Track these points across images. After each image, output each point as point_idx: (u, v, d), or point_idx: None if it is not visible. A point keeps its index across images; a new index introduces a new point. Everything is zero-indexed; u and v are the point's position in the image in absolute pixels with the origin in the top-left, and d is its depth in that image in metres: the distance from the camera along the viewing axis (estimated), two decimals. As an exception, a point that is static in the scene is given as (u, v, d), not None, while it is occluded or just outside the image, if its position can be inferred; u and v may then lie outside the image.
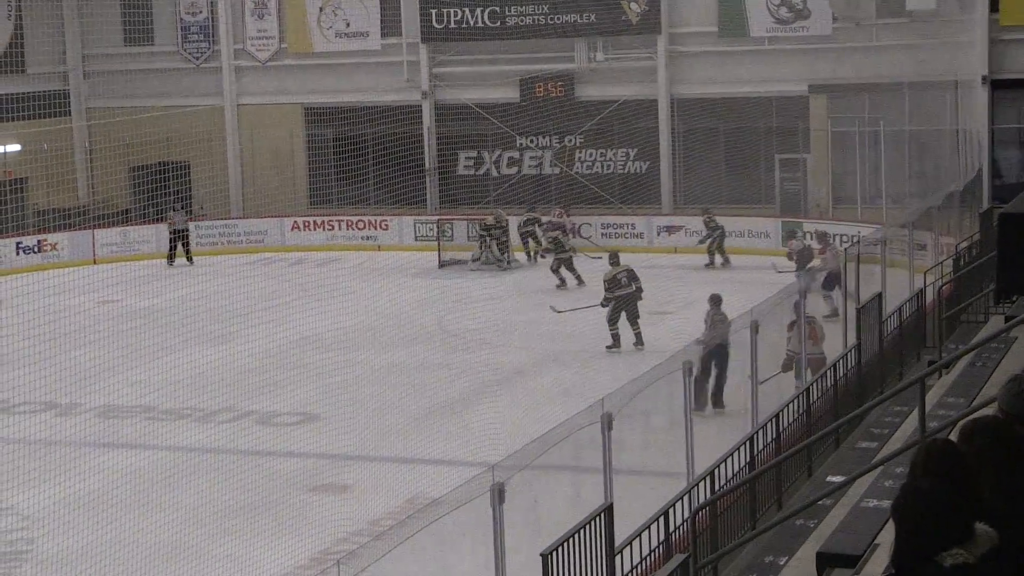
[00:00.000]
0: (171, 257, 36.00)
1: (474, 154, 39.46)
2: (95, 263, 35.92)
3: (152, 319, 27.82)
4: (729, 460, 13.44)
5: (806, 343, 17.79)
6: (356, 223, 37.96)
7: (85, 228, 36.85)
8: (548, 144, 38.75)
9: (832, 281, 22.10)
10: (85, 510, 16.53)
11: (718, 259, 33.07)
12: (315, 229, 38.13)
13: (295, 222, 38.33)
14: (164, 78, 41.18)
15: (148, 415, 21.28)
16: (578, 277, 30.63)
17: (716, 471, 13.06)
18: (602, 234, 36.12)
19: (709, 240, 33.22)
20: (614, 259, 25.96)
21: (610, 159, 38.43)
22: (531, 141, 38.89)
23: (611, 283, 25.00)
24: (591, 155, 38.56)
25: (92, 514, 16.29)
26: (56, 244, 36.52)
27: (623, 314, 24.63)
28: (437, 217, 37.13)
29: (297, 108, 40.65)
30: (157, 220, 37.30)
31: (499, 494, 10.13)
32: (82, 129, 41.72)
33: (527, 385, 22.43)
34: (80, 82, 41.88)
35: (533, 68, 38.11)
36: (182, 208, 36.77)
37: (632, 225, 36.35)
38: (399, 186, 37.97)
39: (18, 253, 35.53)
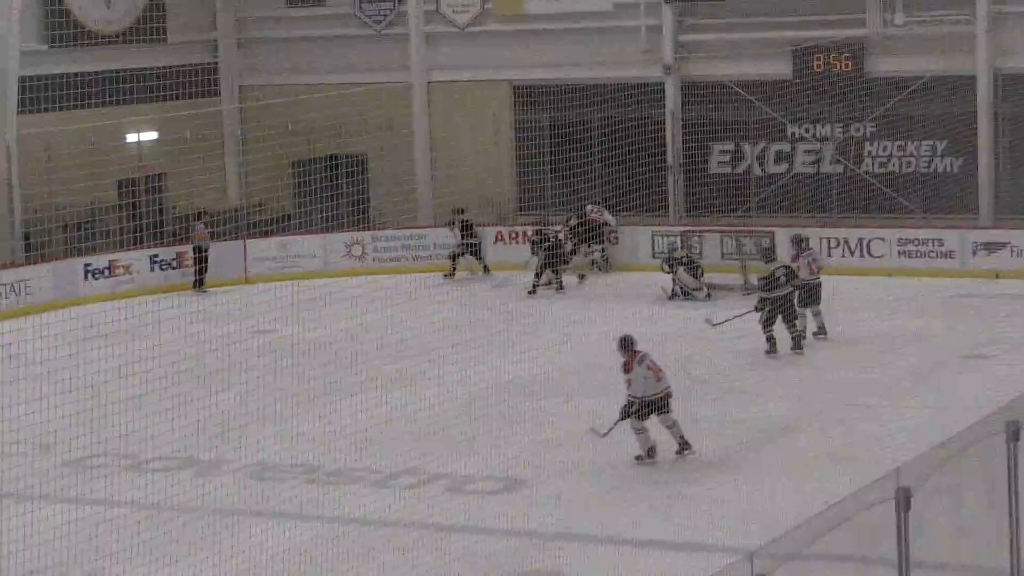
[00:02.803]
0: (200, 281, 36.61)
1: (731, 147, 39.32)
2: (247, 282, 36.77)
3: (316, 355, 28.36)
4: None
5: None
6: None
7: (236, 238, 37.75)
8: (829, 134, 38.40)
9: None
10: (231, 595, 16.93)
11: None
12: (525, 241, 38.37)
13: (499, 232, 38.66)
14: (337, 48, 42.07)
15: (310, 477, 21.66)
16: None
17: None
18: (899, 252, 35.59)
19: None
20: (770, 255, 28.46)
21: (910, 154, 37.89)
22: (806, 130, 38.58)
23: (768, 282, 27.32)
24: (885, 149, 38.09)
25: (240, 600, 16.67)
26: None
27: (779, 316, 26.90)
28: (682, 228, 37.10)
29: (504, 87, 41.06)
30: (326, 229, 38.11)
31: (759, 590, 10.06)
32: (233, 113, 42.83)
33: (796, 447, 22.21)
34: (232, 54, 43.05)
35: (811, 35, 37.81)
36: (201, 218, 37.22)
37: (939, 241, 35.75)
38: (633, 188, 38.05)
39: (152, 268, 36.61)
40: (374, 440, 22.78)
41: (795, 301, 28.34)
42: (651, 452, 21.71)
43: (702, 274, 33.82)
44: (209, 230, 36.69)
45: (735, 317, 28.52)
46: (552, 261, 35.34)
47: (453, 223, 37.43)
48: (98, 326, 27.35)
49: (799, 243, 30.26)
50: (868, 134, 38.14)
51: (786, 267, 28.41)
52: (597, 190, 39.01)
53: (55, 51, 38.11)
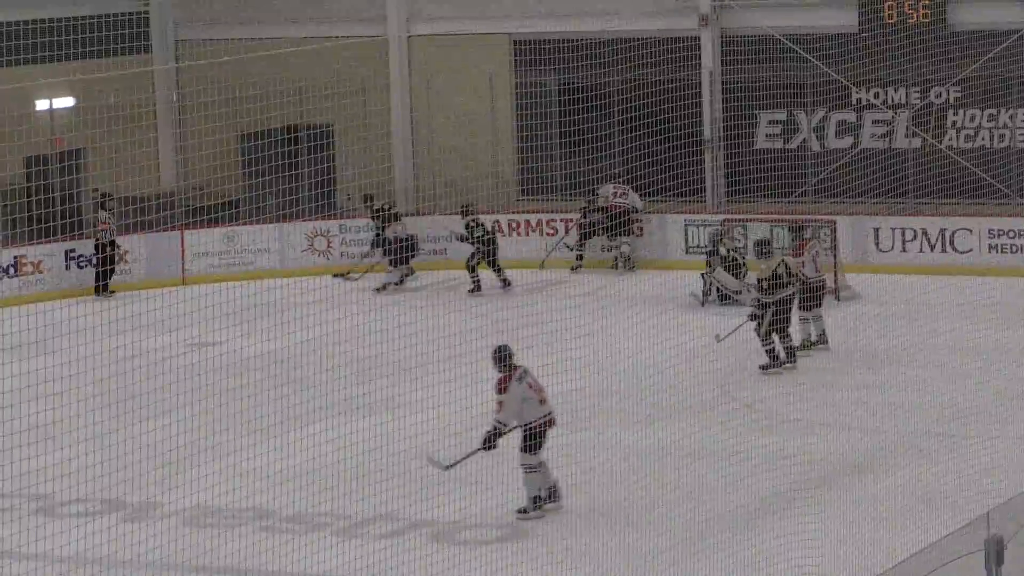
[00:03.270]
0: (104, 285, 36.81)
1: (782, 116, 39.39)
2: (184, 283, 36.80)
3: (270, 374, 28.38)
4: None
5: None
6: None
7: (171, 229, 37.79)
8: (904, 100, 38.44)
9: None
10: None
11: None
12: (528, 233, 38.49)
13: (497, 222, 38.68)
14: (295, -6, 42.20)
15: (263, 523, 21.85)
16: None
17: None
18: (989, 247, 35.61)
19: None
20: (765, 248, 29.14)
21: (1004, 126, 37.92)
22: (875, 96, 38.64)
23: (771, 283, 28.59)
24: (973, 119, 38.13)
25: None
26: (127, 252, 37.52)
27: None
28: (723, 216, 37.12)
29: (502, 41, 41.14)
30: (283, 218, 38.13)
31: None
32: (168, 75, 42.90)
33: (866, 487, 22.29)
34: (166, 1, 43.10)
35: (880, -23, 37.92)
36: (105, 206, 37.40)
37: (1040, 233, 35.88)
38: (661, 167, 38.06)
39: (68, 266, 36.65)
40: (341, 479, 22.80)
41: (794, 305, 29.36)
42: (553, 494, 21.74)
43: (745, 274, 33.78)
44: (115, 219, 36.66)
45: (737, 328, 29.13)
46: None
47: (464, 231, 37.32)
48: (0, 337, 27.42)
49: (800, 232, 31.08)
50: (952, 100, 38.19)
51: (784, 262, 29.15)
52: (617, 169, 39.03)
53: (-53, -3, 38.18)
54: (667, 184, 37.84)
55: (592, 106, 39.33)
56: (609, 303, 34.16)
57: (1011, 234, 35.77)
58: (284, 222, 38.53)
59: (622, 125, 39.07)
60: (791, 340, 28.87)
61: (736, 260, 34.03)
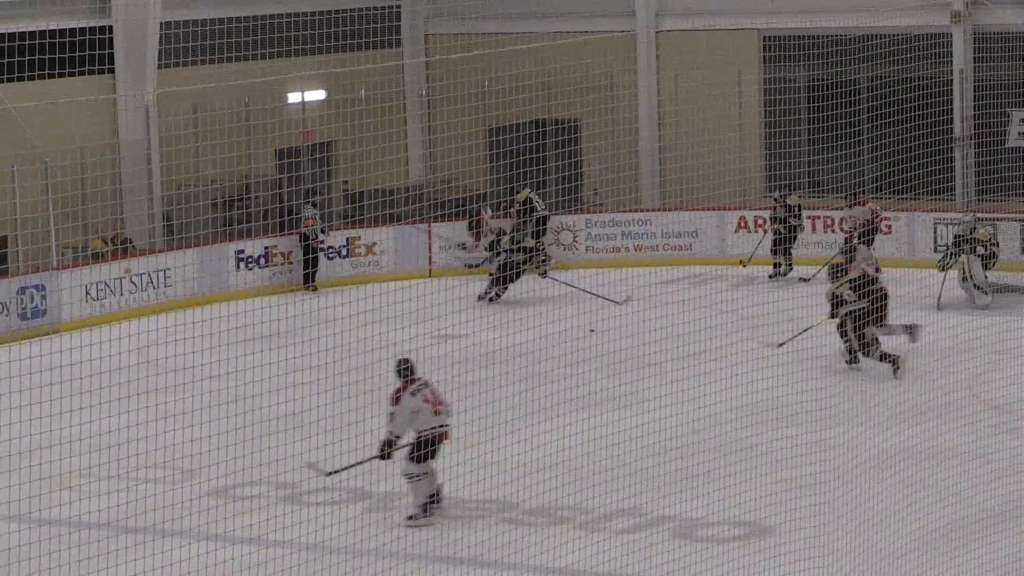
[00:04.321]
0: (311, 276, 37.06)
1: (1038, 114, 38.92)
2: (431, 275, 37.09)
3: (511, 367, 28.49)
4: None
5: None
6: (839, 221, 37.92)
7: (419, 221, 38.08)
8: None
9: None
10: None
11: None
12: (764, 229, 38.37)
13: (743, 218, 38.66)
14: (544, -10, 42.40)
15: (506, 516, 21.98)
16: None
17: None
18: None
19: None
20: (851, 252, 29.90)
21: None
22: None
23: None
24: None
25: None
26: (374, 245, 37.91)
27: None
28: (973, 214, 36.71)
29: (751, 36, 41.05)
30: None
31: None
32: (418, 68, 43.27)
33: None
34: (416, -5, 43.57)
35: None
36: (311, 202, 37.70)
37: None
38: (911, 164, 37.76)
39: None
40: (583, 473, 22.90)
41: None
42: (435, 498, 21.75)
43: (993, 265, 33.34)
44: (320, 213, 37.04)
45: (801, 333, 29.11)
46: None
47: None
48: (251, 326, 27.88)
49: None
50: None
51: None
52: (866, 167, 38.78)
53: (204, -7, 38.83)
54: (917, 182, 37.57)
55: (841, 103, 39.07)
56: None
57: None
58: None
59: (871, 122, 38.79)
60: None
61: (989, 251, 33.39)
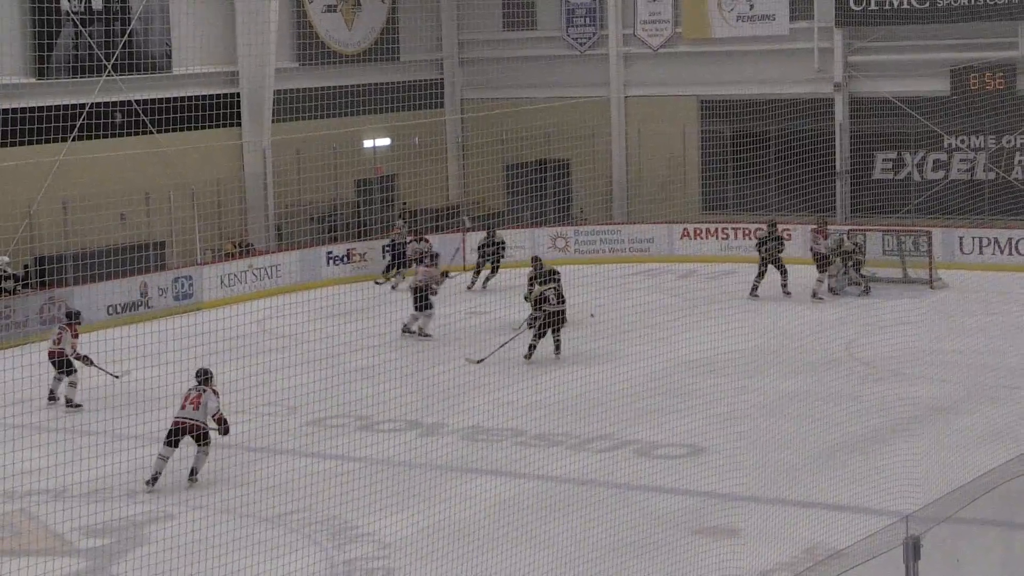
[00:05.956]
0: (388, 268, 36.08)
1: (893, 155, 38.73)
2: (464, 270, 37.07)
3: (524, 333, 28.50)
4: None
5: None
6: (754, 232, 37.75)
7: (456, 231, 38.08)
8: (982, 145, 37.63)
9: None
10: (449, 540, 17.11)
11: None
12: (708, 237, 38.23)
13: (685, 229, 38.54)
14: (546, 66, 42.25)
15: (518, 439, 21.81)
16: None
17: None
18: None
19: None
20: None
21: (1057, 163, 37.03)
22: (962, 141, 37.85)
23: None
24: (1034, 158, 37.27)
25: (456, 545, 16.84)
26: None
27: None
28: (848, 227, 36.57)
29: (692, 101, 40.90)
30: (535, 224, 38.30)
31: (914, 549, 9.92)
32: (456, 122, 43.25)
33: (950, 424, 21.85)
34: (455, 71, 43.45)
35: (967, 56, 37.09)
36: (402, 216, 37.40)
37: (1082, 241, 34.93)
38: (805, 191, 37.65)
39: (384, 256, 37.07)
40: (574, 409, 22.88)
41: None
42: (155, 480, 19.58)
43: (862, 265, 33.23)
44: (408, 227, 36.81)
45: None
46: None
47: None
48: (337, 305, 27.87)
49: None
50: (1018, 145, 37.29)
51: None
52: (773, 193, 38.67)
53: (305, 68, 38.81)
54: (809, 204, 37.47)
55: (756, 148, 38.96)
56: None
57: (1061, 244, 35.02)
58: (535, 227, 38.61)
59: (777, 162, 38.63)
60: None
61: (857, 258, 33.26)
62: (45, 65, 32.98)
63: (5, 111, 31.62)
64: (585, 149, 41.05)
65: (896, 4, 37.53)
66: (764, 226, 33.85)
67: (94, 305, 30.45)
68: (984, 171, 37.63)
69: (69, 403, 24.02)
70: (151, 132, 34.92)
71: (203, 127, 35.12)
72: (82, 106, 33.30)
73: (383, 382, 22.67)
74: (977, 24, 36.84)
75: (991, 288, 32.46)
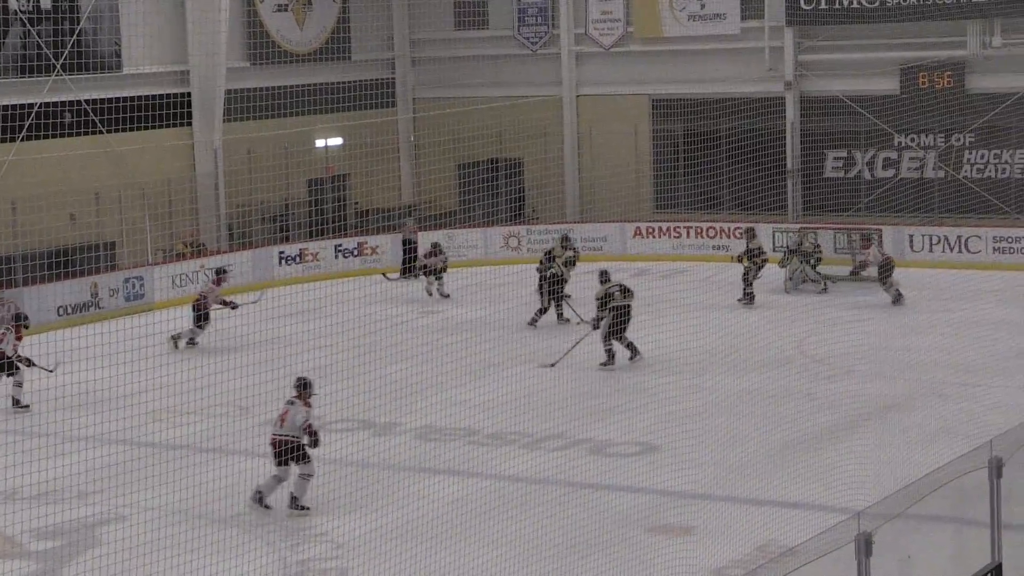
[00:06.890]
0: (407, 269, 35.79)
1: (844, 154, 38.91)
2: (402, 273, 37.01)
3: (477, 332, 28.49)
4: None
5: None
6: (706, 230, 37.96)
7: (399, 231, 37.97)
8: (932, 143, 37.87)
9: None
10: (403, 540, 17.09)
11: None
12: (660, 236, 38.31)
13: (638, 228, 38.60)
14: (498, 66, 42.24)
15: (471, 439, 21.80)
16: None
17: None
18: (993, 249, 35.05)
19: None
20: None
21: (1005, 162, 37.24)
22: (912, 140, 38.07)
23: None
24: (982, 157, 37.47)
25: (410, 545, 16.83)
26: (377, 247, 37.82)
27: None
28: (799, 225, 36.77)
29: (643, 100, 40.97)
30: (487, 223, 38.29)
31: (866, 545, 9.97)
32: (408, 122, 43.20)
33: (901, 421, 21.96)
34: (407, 70, 43.39)
35: (916, 56, 37.31)
36: (411, 215, 37.40)
37: (1031, 239, 35.21)
38: (756, 189, 37.81)
39: (337, 256, 37.01)
40: (526, 408, 22.88)
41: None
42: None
43: (818, 263, 33.38)
44: (418, 225, 36.87)
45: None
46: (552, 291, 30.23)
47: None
48: (289, 305, 27.77)
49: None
50: (968, 143, 37.55)
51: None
52: (725, 192, 38.82)
53: (256, 68, 38.67)
54: (760, 202, 37.63)
55: (707, 146, 39.08)
56: (712, 286, 33.94)
57: (1010, 240, 35.10)
58: (487, 227, 38.61)
59: (728, 160, 38.78)
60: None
61: (813, 256, 33.37)
62: (-7, 64, 32.81)
63: (-47, 111, 31.42)
64: (537, 148, 41.09)
65: (846, 3, 37.72)
66: (741, 234, 33.73)
67: (44, 306, 30.28)
68: (934, 169, 37.88)
69: (16, 403, 23.91)
70: (101, 132, 34.72)
71: (154, 127, 34.91)
72: (31, 106, 33.11)
73: (335, 382, 22.58)
74: (926, 23, 37.07)
75: (941, 286, 32.65)
